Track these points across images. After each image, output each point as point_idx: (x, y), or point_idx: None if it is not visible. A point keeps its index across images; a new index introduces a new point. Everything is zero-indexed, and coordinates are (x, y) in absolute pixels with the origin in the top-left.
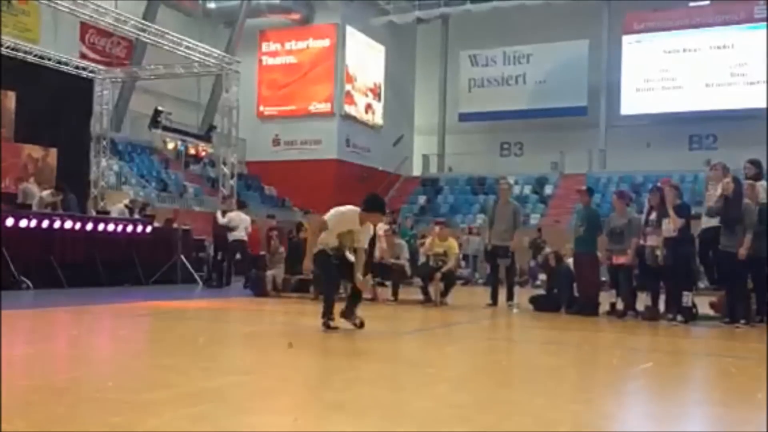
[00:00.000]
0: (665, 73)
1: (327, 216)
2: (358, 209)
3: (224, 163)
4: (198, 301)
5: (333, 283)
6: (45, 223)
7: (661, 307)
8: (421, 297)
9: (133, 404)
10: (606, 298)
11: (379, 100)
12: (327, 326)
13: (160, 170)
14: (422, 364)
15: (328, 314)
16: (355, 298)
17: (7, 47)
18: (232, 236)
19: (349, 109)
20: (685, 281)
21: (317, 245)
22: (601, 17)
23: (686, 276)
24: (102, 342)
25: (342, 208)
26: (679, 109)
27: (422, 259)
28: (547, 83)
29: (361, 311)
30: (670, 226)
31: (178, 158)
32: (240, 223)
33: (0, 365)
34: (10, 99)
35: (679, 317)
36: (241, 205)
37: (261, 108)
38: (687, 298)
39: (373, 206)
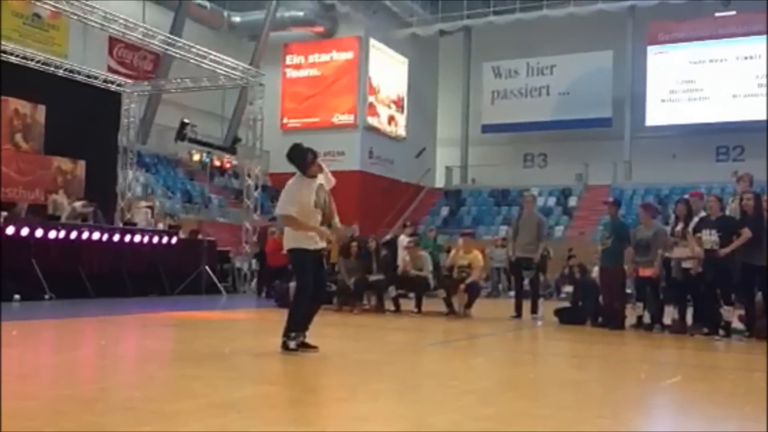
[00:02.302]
0: (691, 84)
1: (285, 205)
2: (295, 177)
3: (248, 175)
4: (222, 312)
5: (308, 292)
6: (73, 235)
7: (689, 320)
8: (444, 309)
9: (161, 414)
10: (632, 311)
11: (402, 111)
12: (286, 347)
13: (186, 182)
14: (447, 377)
15: (292, 330)
16: (313, 306)
17: (37, 61)
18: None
19: (372, 120)
20: (726, 295)
21: (292, 241)
22: (625, 28)
23: (727, 290)
24: (129, 352)
25: (287, 188)
26: (705, 120)
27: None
28: (571, 94)
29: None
30: (713, 238)
31: (203, 170)
32: None
33: None
34: (40, 112)
35: (722, 332)
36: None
37: (285, 120)
38: (728, 312)
39: (300, 161)
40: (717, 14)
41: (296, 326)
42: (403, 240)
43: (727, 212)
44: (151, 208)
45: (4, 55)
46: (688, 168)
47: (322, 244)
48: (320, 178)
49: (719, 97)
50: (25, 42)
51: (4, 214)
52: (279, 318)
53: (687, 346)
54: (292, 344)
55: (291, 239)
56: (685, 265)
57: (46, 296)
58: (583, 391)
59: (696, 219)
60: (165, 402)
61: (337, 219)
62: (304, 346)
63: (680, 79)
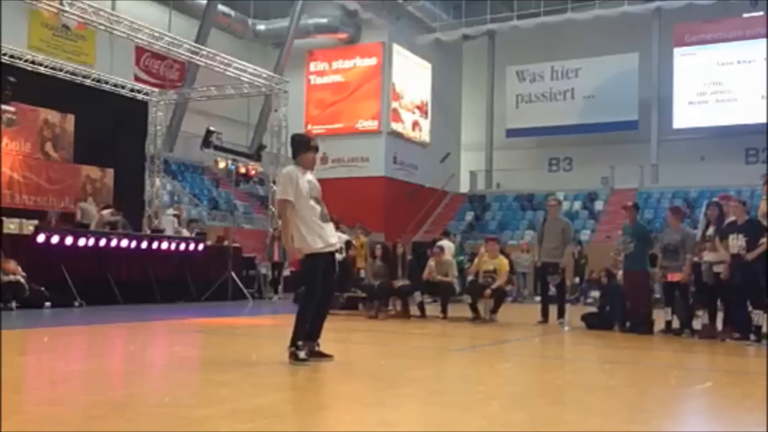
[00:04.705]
0: (719, 86)
1: (280, 190)
2: (291, 166)
3: (273, 182)
4: (249, 318)
5: (315, 300)
6: (102, 242)
7: (719, 324)
8: (470, 314)
9: (190, 419)
10: (661, 316)
11: (426, 117)
12: (295, 357)
13: (212, 189)
14: (474, 382)
15: (299, 339)
16: (321, 313)
17: (66, 71)
18: None
19: (396, 126)
20: (756, 299)
21: (307, 245)
22: (651, 30)
23: (757, 294)
24: (157, 358)
25: (283, 174)
26: (734, 121)
27: (471, 277)
28: (597, 98)
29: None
30: (739, 242)
31: (228, 177)
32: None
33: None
34: (69, 121)
35: (753, 337)
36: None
37: (309, 126)
38: (758, 316)
39: (299, 147)
40: (745, 15)
41: (303, 336)
42: (451, 247)
43: (758, 216)
44: (178, 216)
45: (33, 65)
46: (716, 170)
47: (336, 244)
48: (310, 175)
49: (748, 99)
50: (54, 53)
51: (35, 222)
52: None
53: (718, 351)
54: (301, 354)
55: (307, 241)
56: (716, 269)
57: (76, 303)
58: (613, 396)
59: (726, 222)
60: (194, 407)
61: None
62: (317, 354)
63: (708, 80)
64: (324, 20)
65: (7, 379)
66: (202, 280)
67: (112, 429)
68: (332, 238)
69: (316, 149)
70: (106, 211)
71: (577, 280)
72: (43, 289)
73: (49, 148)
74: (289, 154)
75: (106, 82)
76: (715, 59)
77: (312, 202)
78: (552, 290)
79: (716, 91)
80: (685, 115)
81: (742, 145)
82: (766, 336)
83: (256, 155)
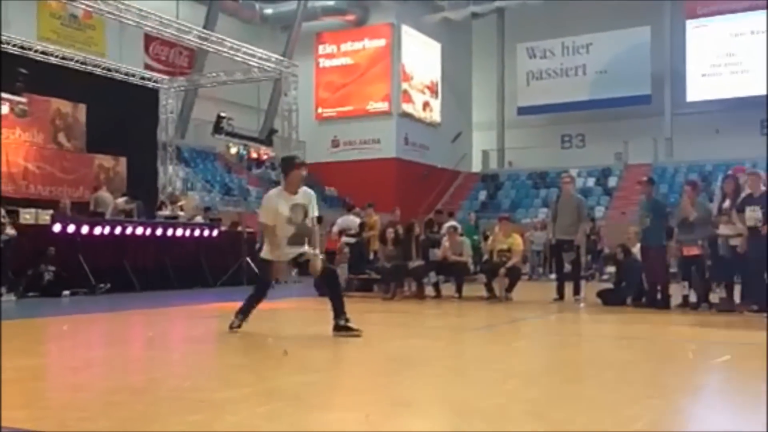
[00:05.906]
0: (732, 57)
1: (261, 214)
2: (274, 190)
3: None
4: (264, 302)
5: (262, 292)
6: (118, 230)
7: (736, 298)
8: (485, 293)
9: (209, 403)
10: (678, 291)
11: (437, 97)
12: (231, 326)
13: (224, 175)
14: (491, 361)
15: (241, 313)
16: (336, 291)
17: (76, 61)
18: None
19: (407, 107)
20: None
21: (266, 253)
22: (662, 2)
23: None
24: (176, 343)
25: (265, 199)
26: (748, 93)
27: (486, 256)
28: (609, 73)
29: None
30: (756, 215)
31: (240, 162)
32: (347, 226)
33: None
34: (81, 111)
35: None
36: (349, 207)
37: (319, 110)
38: None
39: (286, 166)
40: None
41: (243, 312)
42: (444, 227)
43: None
44: (172, 200)
45: (44, 56)
46: (731, 143)
47: (300, 251)
48: (300, 197)
49: (762, 69)
50: (64, 42)
51: (50, 212)
52: (319, 307)
53: (736, 325)
54: (235, 323)
55: (266, 250)
56: (733, 242)
57: (101, 285)
58: (631, 372)
59: (743, 195)
60: (213, 391)
61: (318, 254)
62: (347, 329)
63: (721, 52)
64: (331, 2)
65: (29, 367)
66: (217, 265)
67: (132, 413)
68: (288, 254)
69: (303, 165)
70: (120, 200)
71: (589, 257)
72: (65, 273)
73: (61, 138)
74: (300, 137)
75: (117, 71)
76: (728, 30)
77: (287, 225)
78: (567, 267)
79: (730, 62)
80: (698, 88)
81: (757, 117)
82: None
83: (267, 140)
